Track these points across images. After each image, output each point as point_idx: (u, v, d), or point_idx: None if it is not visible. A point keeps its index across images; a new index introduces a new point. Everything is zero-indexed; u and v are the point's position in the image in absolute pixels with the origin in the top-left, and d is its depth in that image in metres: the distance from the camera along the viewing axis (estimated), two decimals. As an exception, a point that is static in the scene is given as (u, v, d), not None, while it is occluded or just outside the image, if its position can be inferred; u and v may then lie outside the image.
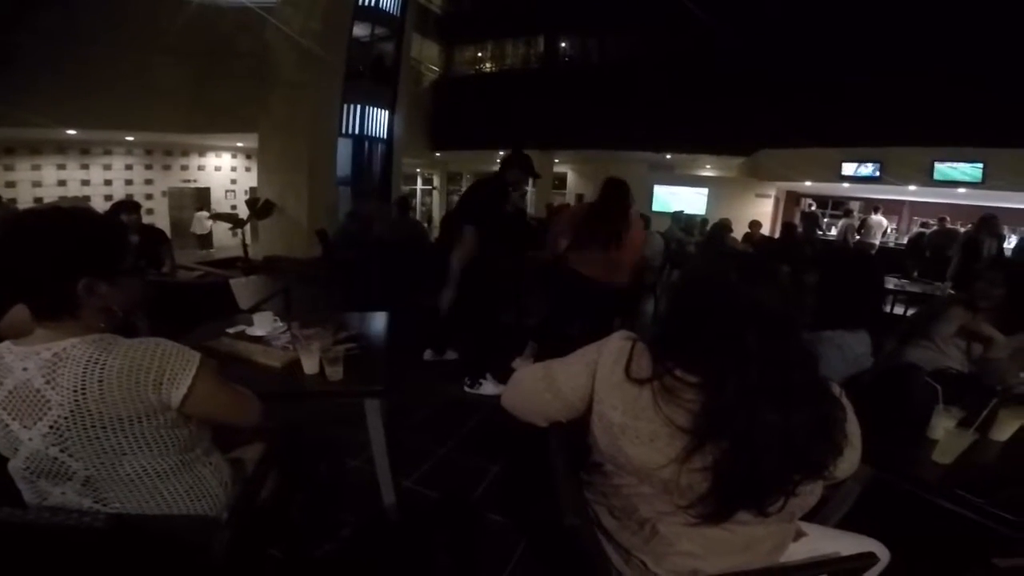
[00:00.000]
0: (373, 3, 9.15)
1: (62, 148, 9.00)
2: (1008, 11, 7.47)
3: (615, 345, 0.96)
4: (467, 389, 3.26)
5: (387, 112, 9.71)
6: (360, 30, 9.12)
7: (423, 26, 12.00)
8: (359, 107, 9.21)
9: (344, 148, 8.96)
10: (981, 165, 8.23)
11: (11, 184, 8.64)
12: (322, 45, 7.91)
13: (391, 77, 9.69)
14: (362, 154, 9.44)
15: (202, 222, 10.48)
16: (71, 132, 8.38)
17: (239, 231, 8.61)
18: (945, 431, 1.34)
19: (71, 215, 0.95)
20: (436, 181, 15.64)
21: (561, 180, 14.61)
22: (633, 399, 0.89)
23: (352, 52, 8.79)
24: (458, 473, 2.38)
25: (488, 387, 3.24)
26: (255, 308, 2.88)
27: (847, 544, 1.04)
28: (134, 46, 7.71)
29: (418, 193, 14.99)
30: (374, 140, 9.58)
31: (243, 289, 4.60)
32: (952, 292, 4.47)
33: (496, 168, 3.28)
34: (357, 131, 9.29)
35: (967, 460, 1.30)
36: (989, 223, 5.93)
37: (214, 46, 8.48)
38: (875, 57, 8.50)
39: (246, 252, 8.52)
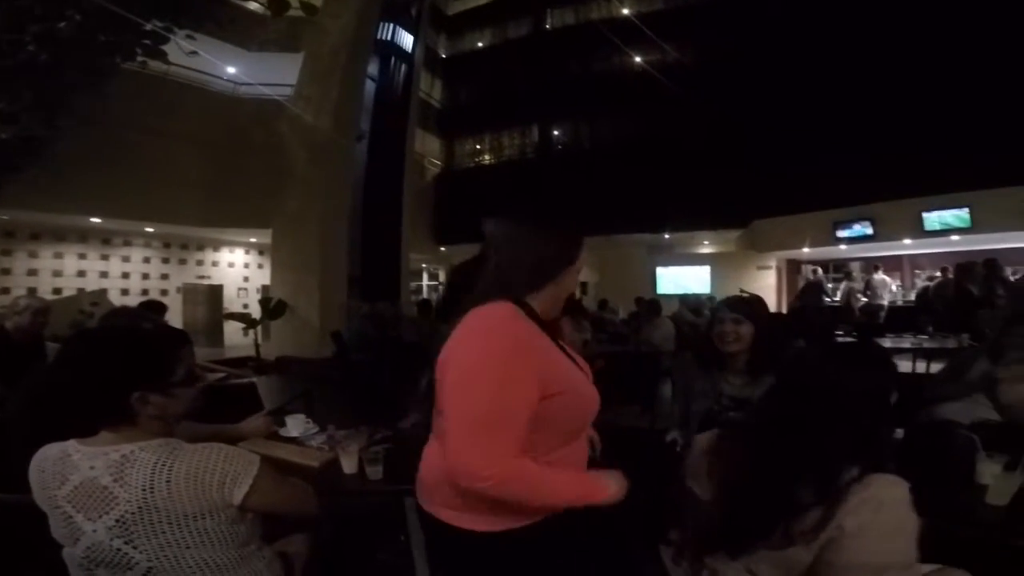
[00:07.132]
0: (381, 96, 9.65)
1: (84, 236, 9.13)
2: (975, 54, 7.79)
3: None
4: None
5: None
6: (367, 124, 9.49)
7: (424, 120, 12.51)
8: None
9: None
10: (967, 209, 8.11)
11: (32, 272, 8.75)
12: (334, 139, 8.19)
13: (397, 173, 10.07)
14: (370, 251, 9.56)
15: None
16: (95, 220, 8.51)
17: (251, 331, 8.68)
18: (993, 476, 1.40)
19: (119, 337, 1.09)
20: (442, 276, 15.88)
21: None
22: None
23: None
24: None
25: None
26: (279, 410, 2.89)
27: None
28: (157, 133, 7.86)
29: (424, 289, 15.15)
30: (382, 235, 9.74)
31: (265, 389, 4.61)
32: (972, 343, 4.41)
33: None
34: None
35: (1021, 500, 1.34)
36: (991, 268, 5.87)
37: (232, 136, 8.75)
38: (853, 111, 8.86)
39: (258, 352, 8.55)
